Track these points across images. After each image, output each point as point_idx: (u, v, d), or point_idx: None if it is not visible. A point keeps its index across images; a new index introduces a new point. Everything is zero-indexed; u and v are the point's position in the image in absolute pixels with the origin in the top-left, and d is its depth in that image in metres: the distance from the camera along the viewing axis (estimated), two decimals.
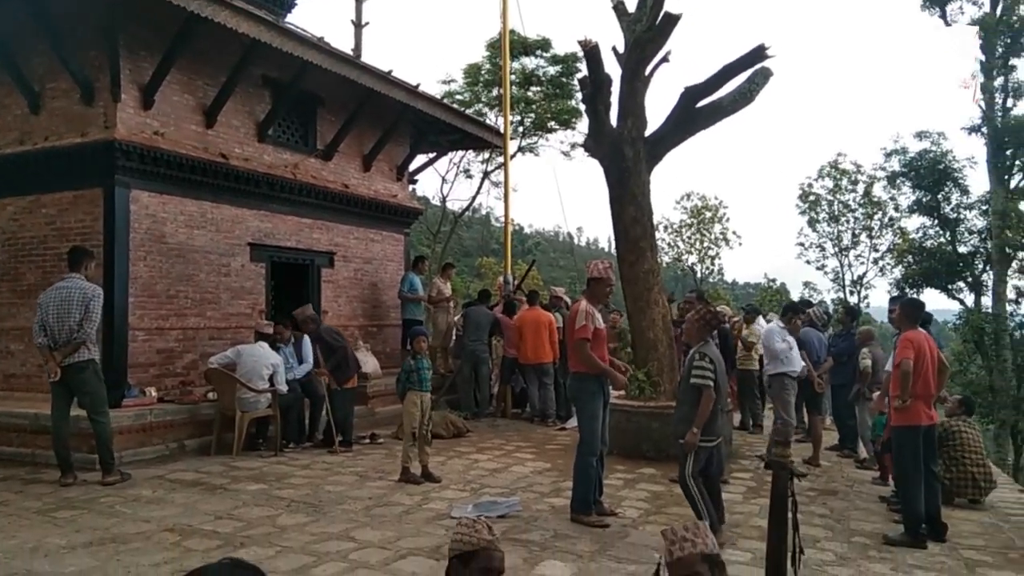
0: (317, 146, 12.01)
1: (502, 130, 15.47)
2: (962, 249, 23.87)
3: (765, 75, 9.84)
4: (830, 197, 29.68)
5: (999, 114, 22.36)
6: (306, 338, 10.18)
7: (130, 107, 9.15)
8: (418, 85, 12.49)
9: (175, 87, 9.69)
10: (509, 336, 12.13)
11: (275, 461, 8.68)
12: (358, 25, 23.80)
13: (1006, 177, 22.36)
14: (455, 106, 18.05)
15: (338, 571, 4.99)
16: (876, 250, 29.42)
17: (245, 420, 8.96)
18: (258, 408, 9.07)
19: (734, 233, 35.06)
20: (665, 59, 9.88)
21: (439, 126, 13.78)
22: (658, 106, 10.14)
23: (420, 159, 15.60)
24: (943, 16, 23.39)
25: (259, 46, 9.53)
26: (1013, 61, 22.52)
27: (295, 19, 14.39)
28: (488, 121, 21.00)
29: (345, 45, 24.43)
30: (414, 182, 15.45)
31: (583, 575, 5.00)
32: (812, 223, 30.15)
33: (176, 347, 9.69)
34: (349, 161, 12.71)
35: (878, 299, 30.72)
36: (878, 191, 28.06)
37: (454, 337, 13.10)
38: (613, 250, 10.39)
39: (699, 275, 35.70)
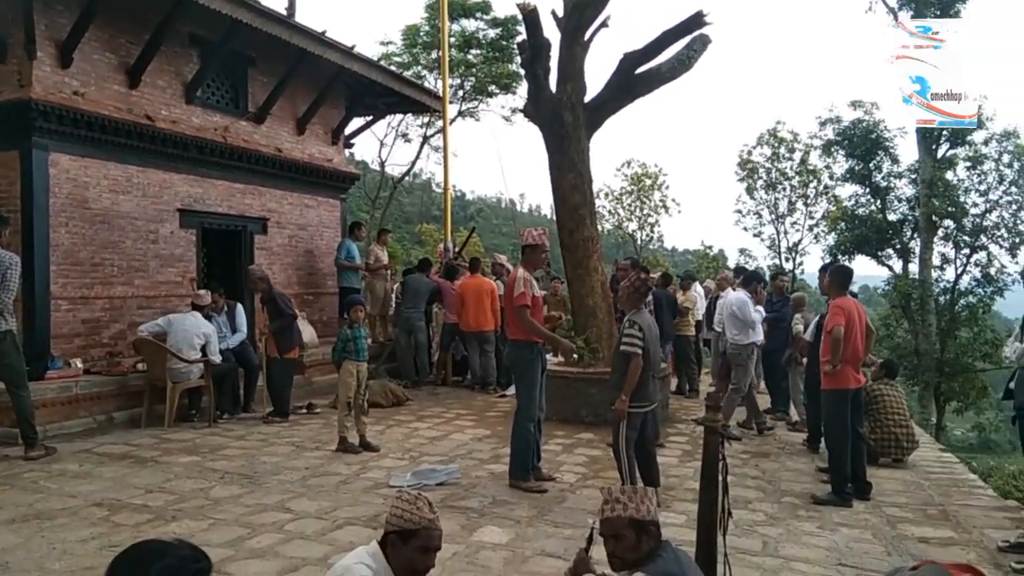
0: (249, 108, 11.63)
1: (441, 94, 15.21)
2: (892, 217, 24.55)
3: (703, 42, 9.85)
4: (768, 165, 30.16)
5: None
6: (239, 306, 9.96)
7: (47, 65, 8.68)
8: (354, 46, 12.16)
9: (95, 44, 9.23)
10: (450, 303, 12.05)
11: (208, 432, 8.50)
12: None
13: (934, 147, 23.01)
14: (393, 68, 17.69)
15: (273, 542, 4.92)
16: (811, 217, 30.10)
17: (177, 391, 8.73)
18: (190, 378, 8.85)
19: (673, 200, 35.45)
20: (604, 24, 9.81)
21: (376, 89, 13.47)
22: (598, 72, 10.07)
23: (356, 122, 15.27)
24: None
25: (186, 2, 9.15)
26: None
27: None
28: (427, 84, 20.65)
29: (278, 3, 23.78)
30: (350, 146, 15.13)
31: (521, 540, 5.03)
32: (750, 191, 30.63)
33: (102, 317, 9.35)
34: (282, 124, 12.35)
35: (812, 265, 31.49)
36: (814, 159, 28.64)
37: (393, 305, 12.97)
38: (555, 217, 10.36)
39: (639, 242, 36.01)
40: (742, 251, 33.24)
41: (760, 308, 9.17)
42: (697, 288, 13.20)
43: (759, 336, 9.00)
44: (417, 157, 27.94)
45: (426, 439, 8.30)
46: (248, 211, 11.60)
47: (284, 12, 14.29)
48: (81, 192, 9.06)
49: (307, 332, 11.37)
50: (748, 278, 9.94)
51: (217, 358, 9.03)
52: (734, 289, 10.04)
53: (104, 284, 9.36)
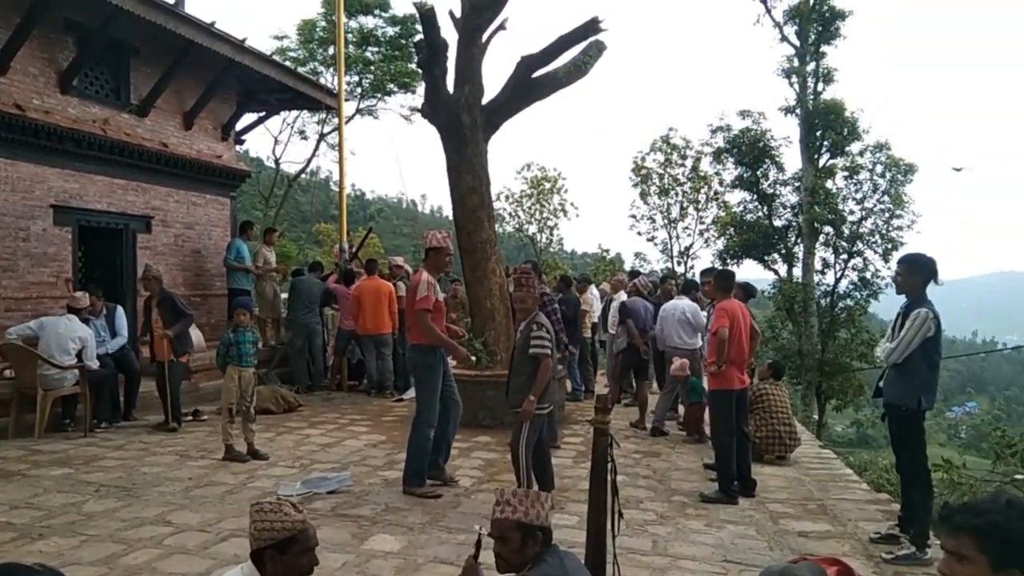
0: (131, 100, 11.06)
1: (336, 91, 14.91)
2: (777, 223, 25.62)
3: (599, 48, 10.01)
4: (661, 171, 30.93)
5: (811, 97, 24.08)
6: (119, 309, 9.45)
7: None
8: (245, 39, 11.74)
9: None
10: (346, 306, 11.80)
11: (84, 443, 8.02)
12: None
13: (816, 156, 24.15)
14: (287, 64, 17.23)
15: (151, 558, 4.66)
16: (702, 222, 30.99)
17: (48, 399, 8.20)
18: (63, 385, 8.33)
19: (572, 204, 35.91)
20: (502, 27, 9.82)
21: (269, 84, 13.06)
22: (496, 74, 10.11)
23: (248, 118, 14.79)
24: (764, 2, 24.80)
25: None
26: (824, 48, 24.27)
27: None
28: (324, 81, 20.22)
29: None
30: (241, 142, 14.63)
31: (413, 548, 4.94)
32: (644, 196, 31.30)
33: None
34: (168, 118, 11.81)
35: (703, 268, 32.53)
36: (705, 166, 29.50)
37: (284, 308, 12.61)
38: (452, 214, 10.32)
39: (539, 245, 36.36)
40: (637, 255, 33.96)
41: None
42: (593, 291, 13.41)
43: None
44: (313, 155, 27.34)
45: (318, 446, 8.09)
46: (130, 208, 11.03)
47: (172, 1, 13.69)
48: None
49: (194, 335, 10.91)
50: (688, 286, 10.20)
51: (95, 364, 8.53)
52: (648, 294, 10.31)
53: None
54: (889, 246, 24.03)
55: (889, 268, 23.68)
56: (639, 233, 31.98)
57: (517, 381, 5.81)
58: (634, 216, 31.93)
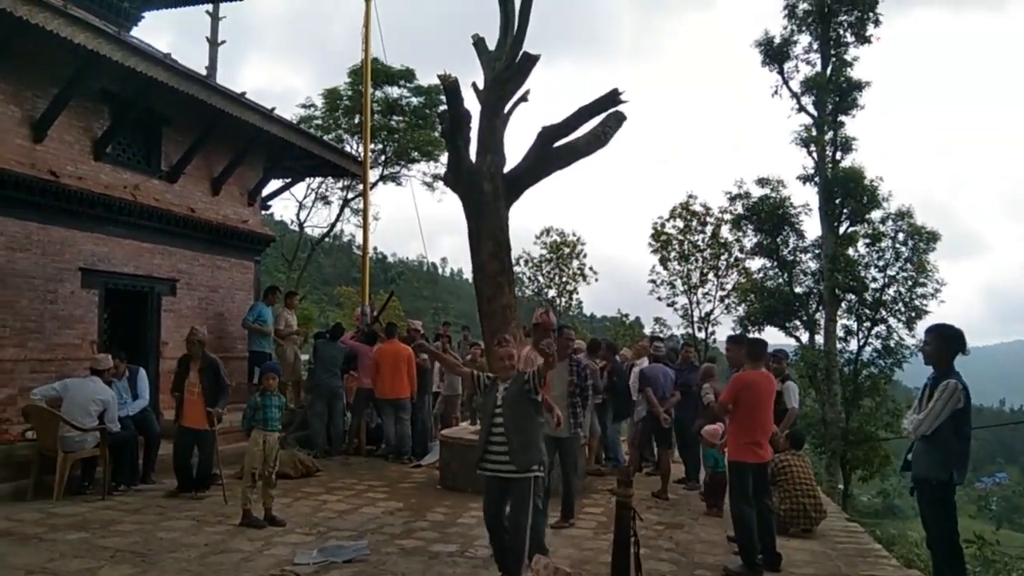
0: (162, 167, 11.36)
1: (361, 158, 15.22)
2: (798, 289, 25.52)
3: (619, 119, 10.17)
4: (680, 237, 31.04)
5: (829, 166, 24.25)
6: (141, 371, 9.51)
7: None
8: (273, 109, 12.10)
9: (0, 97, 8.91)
10: (365, 364, 11.81)
11: (102, 506, 7.98)
12: (213, 43, 23.00)
13: (836, 224, 24.17)
14: (312, 132, 17.65)
15: None
16: (723, 288, 30.91)
17: (68, 461, 8.20)
18: (84, 448, 8.34)
19: (591, 269, 36.03)
20: (524, 98, 10.05)
21: (295, 151, 13.38)
22: (517, 143, 10.27)
23: (274, 184, 15.10)
24: (781, 73, 25.21)
25: (98, 58, 8.92)
26: (842, 118, 24.53)
27: (142, 33, 13.71)
28: (348, 148, 20.64)
29: (199, 63, 23.59)
30: (267, 208, 14.90)
31: None
32: (664, 262, 31.36)
33: None
34: (196, 184, 12.09)
35: (724, 335, 32.30)
36: (725, 233, 29.61)
37: (304, 371, 12.63)
38: (473, 279, 10.39)
39: (559, 309, 36.36)
40: (657, 320, 33.79)
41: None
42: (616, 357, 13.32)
43: None
44: (337, 219, 27.70)
45: (335, 512, 8.00)
46: (156, 271, 11.22)
47: (204, 72, 14.11)
48: None
49: None
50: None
51: (116, 426, 8.54)
52: (669, 361, 10.24)
53: None
54: (913, 314, 23.78)
55: (914, 336, 23.42)
56: (659, 298, 31.93)
57: (521, 438, 5.25)
58: (654, 281, 31.94)
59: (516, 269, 16.91)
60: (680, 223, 31.14)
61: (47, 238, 9.50)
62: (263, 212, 14.50)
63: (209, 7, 21.19)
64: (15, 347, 9.09)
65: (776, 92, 25.30)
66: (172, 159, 11.47)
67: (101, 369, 8.74)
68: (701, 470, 9.83)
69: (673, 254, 31.27)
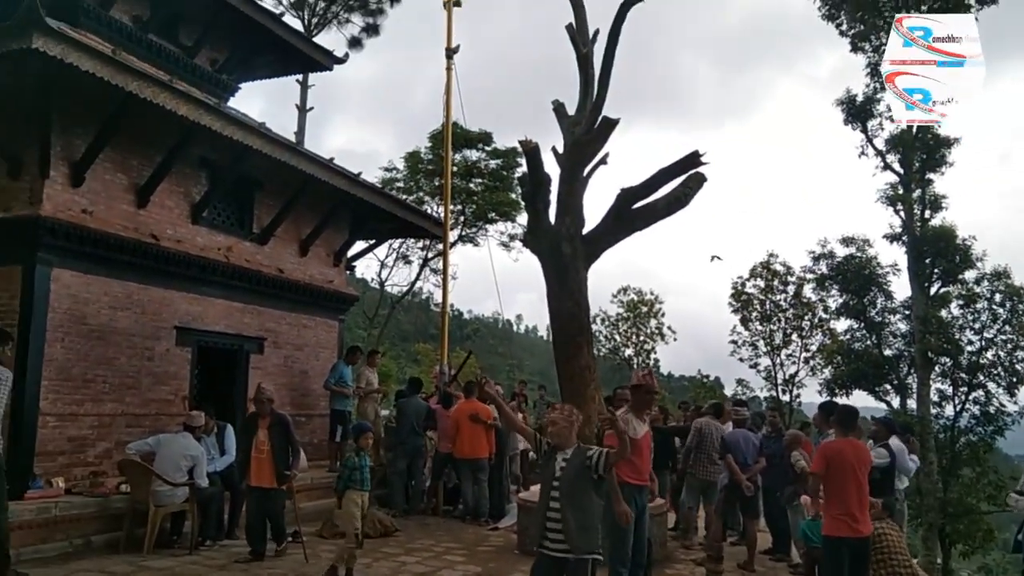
0: (253, 230, 11.84)
1: (442, 219, 15.56)
2: (888, 352, 24.60)
3: (699, 180, 10.14)
4: (762, 297, 30.49)
5: (918, 224, 23.54)
6: (229, 428, 9.76)
7: (59, 184, 8.90)
8: (359, 173, 12.53)
9: (108, 165, 9.49)
10: (444, 428, 11.86)
11: (189, 560, 8.15)
12: (302, 110, 24.10)
13: (926, 284, 23.36)
14: (395, 194, 18.15)
15: None
16: (807, 350, 30.11)
17: (159, 515, 8.44)
18: (174, 502, 8.57)
19: (669, 328, 35.63)
20: (603, 161, 10.16)
21: (379, 214, 13.77)
22: (597, 204, 10.36)
23: (359, 245, 15.52)
24: (865, 132, 24.78)
25: (198, 128, 9.45)
26: (930, 175, 23.87)
27: (238, 102, 14.52)
28: (428, 209, 21.14)
29: (289, 128, 24.72)
30: (351, 268, 15.29)
31: None
32: (744, 322, 30.82)
33: (90, 434, 9.18)
34: (285, 246, 12.54)
35: (809, 397, 31.30)
36: (808, 293, 28.95)
37: (383, 430, 12.75)
38: (551, 338, 10.40)
39: (636, 367, 35.93)
40: (739, 381, 33.04)
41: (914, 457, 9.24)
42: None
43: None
44: (417, 278, 28.27)
45: (413, 575, 7.97)
46: (246, 330, 11.61)
47: (293, 137, 14.75)
48: (80, 308, 9.08)
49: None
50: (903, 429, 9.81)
51: (204, 482, 8.77)
52: (753, 427, 9.98)
53: (94, 401, 9.23)
54: (1014, 379, 22.60)
55: (1015, 402, 22.24)
56: (741, 359, 31.28)
57: (578, 518, 4.88)
58: (735, 342, 31.35)
59: (593, 328, 16.68)
60: (761, 282, 30.62)
61: (146, 298, 9.97)
62: (347, 272, 14.89)
63: (299, 76, 22.25)
64: (113, 402, 9.48)
65: (862, 152, 24.87)
66: (263, 222, 11.96)
67: (194, 426, 9.03)
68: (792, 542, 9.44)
69: (754, 314, 30.70)
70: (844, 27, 24.50)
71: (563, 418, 5.09)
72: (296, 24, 22.03)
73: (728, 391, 33.43)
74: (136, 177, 9.89)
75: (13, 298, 8.63)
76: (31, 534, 7.78)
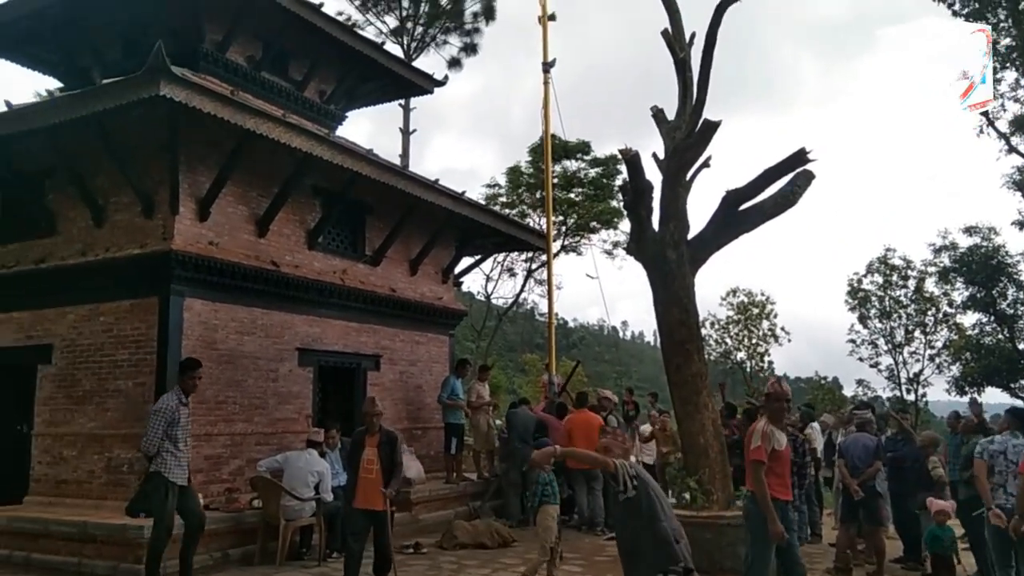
0: (365, 252, 12.30)
1: (544, 231, 15.70)
2: (1022, 346, 23.12)
3: (807, 178, 9.88)
4: (880, 293, 29.20)
5: None
6: None
7: (187, 219, 9.51)
8: (463, 192, 12.83)
9: (230, 199, 10.07)
10: (557, 439, 11.93)
11: (317, 571, 8.54)
12: (406, 132, 24.80)
13: None
14: (498, 209, 18.43)
15: None
16: (932, 347, 28.63)
17: (289, 529, 8.87)
18: (302, 516, 8.98)
19: (782, 329, 34.56)
20: (706, 164, 10.03)
21: (483, 230, 14.04)
22: (701, 208, 10.23)
23: (465, 261, 15.83)
24: (985, 113, 23.44)
25: (311, 159, 9.91)
26: None
27: (346, 130, 15.11)
28: (530, 222, 21.34)
29: (393, 151, 25.47)
30: (459, 285, 15.62)
31: None
32: (863, 319, 29.60)
33: (223, 453, 9.73)
34: (396, 266, 12.96)
35: (936, 396, 29.72)
36: (930, 287, 27.58)
37: (497, 441, 12.94)
38: (659, 344, 10.33)
39: (748, 371, 35.03)
40: (859, 382, 31.77)
41: None
42: (814, 424, 12.61)
43: None
44: (521, 290, 28.54)
45: None
46: (362, 348, 12.05)
47: (398, 158, 15.21)
48: (211, 334, 9.66)
49: (414, 468, 11.49)
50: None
51: (329, 496, 9.15)
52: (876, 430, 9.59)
53: (226, 421, 9.79)
54: None
55: None
56: (860, 359, 30.03)
57: (635, 545, 4.77)
58: (853, 341, 30.13)
59: (702, 332, 16.32)
60: (879, 278, 29.34)
61: (269, 322, 10.50)
62: (455, 288, 15.22)
63: (401, 100, 22.92)
64: (243, 422, 10.02)
65: (981, 132, 23.52)
66: (375, 244, 12.40)
67: (317, 441, 9.45)
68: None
69: (873, 311, 29.43)
70: (956, 7, 23.27)
71: (617, 444, 4.94)
72: (396, 50, 22.78)
73: (848, 392, 32.17)
74: (256, 208, 10.45)
75: (151, 328, 9.28)
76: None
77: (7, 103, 9.68)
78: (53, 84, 15.95)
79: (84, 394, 9.63)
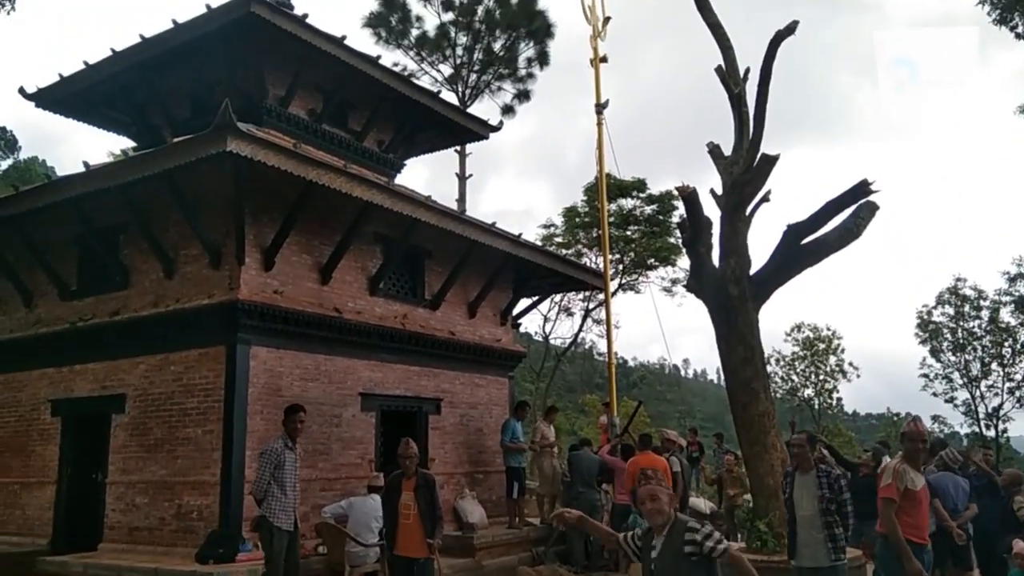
0: (425, 296, 12.42)
1: (601, 270, 15.64)
2: None
3: (871, 209, 9.68)
4: (952, 325, 28.24)
5: None
6: None
7: (253, 269, 9.75)
8: (520, 234, 12.89)
9: (294, 248, 10.31)
10: (622, 480, 11.74)
11: None
12: (462, 177, 25.14)
13: None
14: (554, 249, 18.46)
15: None
16: (1011, 379, 27.49)
17: (354, 575, 8.86)
18: (367, 562, 8.98)
19: (851, 364, 33.61)
20: (765, 199, 9.92)
21: (540, 271, 14.06)
22: (762, 242, 10.08)
23: (523, 302, 15.85)
24: None
25: (372, 207, 10.11)
26: None
27: (404, 177, 15.36)
28: (587, 261, 21.33)
29: (450, 195, 25.83)
30: (517, 326, 15.61)
31: None
32: (935, 353, 28.63)
33: None
34: (455, 309, 13.04)
35: (1018, 431, 28.46)
36: (1005, 316, 26.59)
37: (560, 484, 12.78)
38: (722, 382, 10.12)
39: (817, 408, 34.10)
40: (935, 418, 30.60)
41: None
42: (887, 461, 12.14)
43: None
44: (580, 330, 28.42)
45: None
46: (423, 392, 12.10)
47: (455, 203, 15.42)
48: (276, 381, 9.83)
49: (476, 512, 11.43)
50: None
51: None
52: (959, 468, 9.16)
53: None
54: None
55: None
56: (934, 394, 28.97)
57: None
58: (926, 376, 29.11)
59: (768, 369, 16.05)
60: (950, 309, 28.40)
61: (332, 368, 10.64)
62: (513, 329, 15.22)
63: (457, 146, 23.29)
64: (308, 468, 10.08)
65: None
66: (434, 288, 12.52)
67: (378, 487, 9.46)
68: None
69: (946, 344, 28.43)
70: (1020, 29, 22.68)
71: (664, 491, 4.19)
72: (451, 98, 23.22)
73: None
74: (319, 256, 10.67)
75: (218, 376, 9.48)
76: None
77: (85, 164, 10.12)
78: (126, 143, 16.68)
79: (155, 442, 9.85)
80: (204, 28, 11.08)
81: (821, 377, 33.13)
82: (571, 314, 28.32)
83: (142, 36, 11.70)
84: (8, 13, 11.38)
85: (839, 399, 35.18)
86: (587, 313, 27.58)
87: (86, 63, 12.41)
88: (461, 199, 24.75)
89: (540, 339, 30.87)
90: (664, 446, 12.57)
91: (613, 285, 22.40)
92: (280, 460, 7.70)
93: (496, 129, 16.09)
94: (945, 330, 28.37)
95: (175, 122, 12.58)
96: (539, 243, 18.53)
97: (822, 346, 33.01)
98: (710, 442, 19.17)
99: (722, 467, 13.12)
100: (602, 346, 24.85)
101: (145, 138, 13.10)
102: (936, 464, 9.23)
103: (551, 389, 32.08)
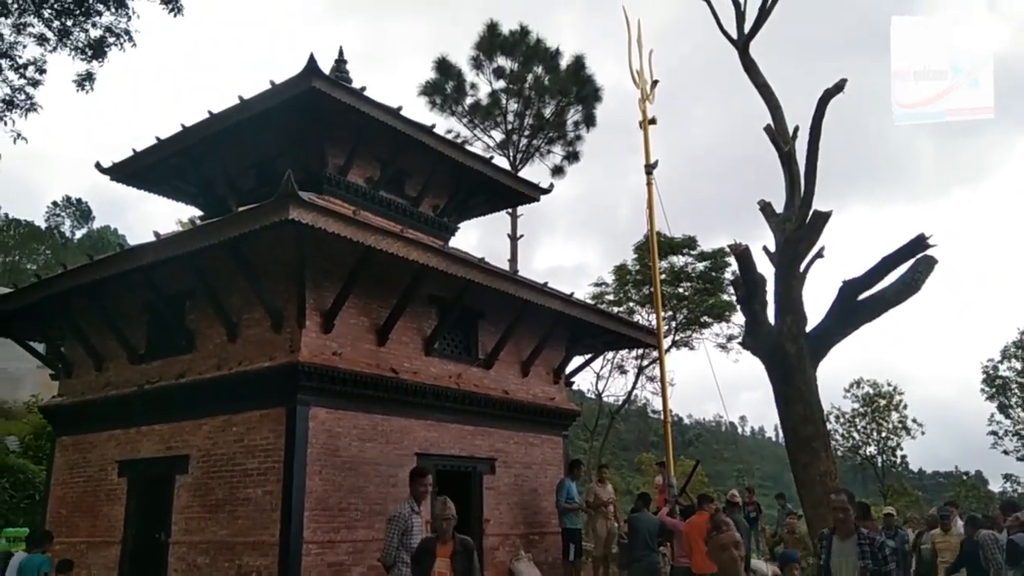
0: (479, 356, 12.55)
1: (655, 328, 15.58)
2: None
3: (929, 264, 9.60)
4: (1020, 380, 27.22)
5: None
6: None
7: (313, 332, 10.01)
8: (572, 293, 13.02)
9: (352, 311, 10.57)
10: (682, 545, 11.50)
11: None
12: (514, 239, 25.49)
13: None
14: (606, 307, 18.49)
15: None
16: None
17: None
18: None
19: (914, 421, 32.53)
20: (819, 255, 9.91)
21: (593, 329, 14.09)
22: (817, 298, 10.04)
23: (576, 360, 15.85)
24: None
25: (427, 270, 10.35)
26: None
27: (458, 240, 15.67)
28: (638, 318, 21.25)
29: (503, 256, 26.15)
30: (570, 384, 15.60)
31: None
32: (1003, 409, 27.57)
33: (345, 560, 9.86)
34: (508, 368, 13.12)
35: None
36: None
37: (616, 546, 12.58)
38: (781, 439, 9.96)
39: (880, 466, 32.95)
40: (1007, 476, 29.36)
41: None
42: (958, 523, 11.66)
43: None
44: (633, 387, 28.17)
45: None
46: (477, 452, 12.14)
47: (507, 263, 15.62)
48: (334, 441, 9.99)
49: (533, 575, 11.30)
50: None
51: None
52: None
53: (348, 528, 9.96)
54: None
55: None
56: (1005, 452, 27.83)
57: None
58: (995, 432, 28.01)
59: (828, 426, 15.67)
60: (1017, 364, 27.43)
61: (389, 428, 10.78)
62: (567, 388, 15.22)
63: (509, 208, 23.69)
64: (365, 528, 10.17)
65: None
66: (487, 347, 12.66)
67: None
68: None
69: (1014, 399, 27.40)
70: None
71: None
72: (503, 162, 23.74)
73: (994, 487, 29.66)
74: (376, 318, 10.92)
75: (279, 437, 9.68)
76: None
77: (156, 234, 10.61)
78: (194, 211, 17.37)
79: (217, 502, 10.05)
80: (268, 103, 11.61)
81: (883, 434, 32.12)
82: (624, 371, 28.14)
83: (210, 112, 12.31)
84: (87, 92, 12.06)
85: (903, 457, 33.99)
86: (640, 370, 27.37)
87: (158, 138, 13.09)
88: (513, 259, 25.05)
89: (593, 397, 30.66)
90: (727, 508, 12.29)
91: (666, 342, 22.26)
92: (408, 526, 7.56)
93: (546, 191, 16.36)
94: (1013, 385, 27.38)
95: (239, 192, 13.11)
96: (590, 301, 18.61)
97: (883, 402, 32.08)
98: (770, 501, 18.69)
99: (783, 528, 12.77)
100: (656, 403, 24.69)
101: (211, 207, 13.67)
102: (1010, 524, 8.90)
103: (605, 448, 31.67)
